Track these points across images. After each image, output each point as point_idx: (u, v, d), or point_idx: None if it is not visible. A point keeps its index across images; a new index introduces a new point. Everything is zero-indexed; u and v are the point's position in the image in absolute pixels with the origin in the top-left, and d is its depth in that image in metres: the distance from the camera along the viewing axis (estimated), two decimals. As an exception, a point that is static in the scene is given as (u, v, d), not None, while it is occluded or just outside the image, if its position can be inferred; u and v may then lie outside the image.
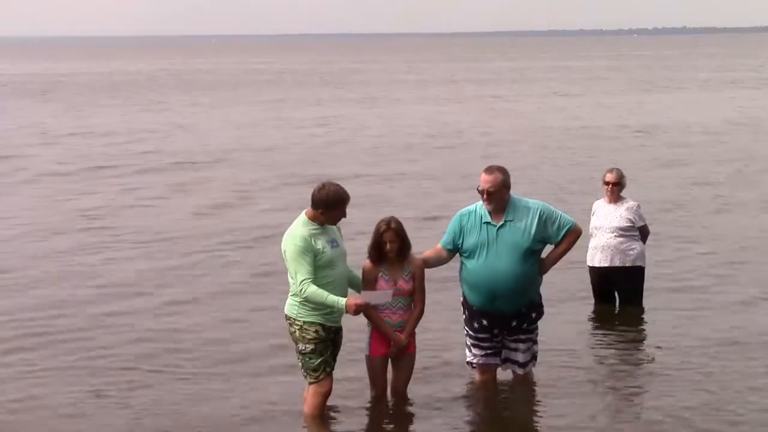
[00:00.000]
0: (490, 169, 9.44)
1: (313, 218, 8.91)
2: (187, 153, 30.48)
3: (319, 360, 8.94)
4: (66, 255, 16.48)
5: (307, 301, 8.80)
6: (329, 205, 8.88)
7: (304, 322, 8.89)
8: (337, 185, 9.00)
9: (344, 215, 9.00)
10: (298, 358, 9.05)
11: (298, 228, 8.89)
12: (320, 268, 8.79)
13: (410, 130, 37.15)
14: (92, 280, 14.78)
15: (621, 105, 48.12)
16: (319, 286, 8.76)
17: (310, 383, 9.07)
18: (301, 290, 8.75)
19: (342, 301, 8.76)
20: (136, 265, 15.71)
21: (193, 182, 24.91)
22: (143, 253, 16.60)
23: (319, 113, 45.23)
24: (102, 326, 12.33)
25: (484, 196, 9.35)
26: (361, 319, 9.32)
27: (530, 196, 9.94)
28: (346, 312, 8.82)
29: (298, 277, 8.75)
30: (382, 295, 9.06)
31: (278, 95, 58.58)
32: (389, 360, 9.40)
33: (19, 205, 21.71)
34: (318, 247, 8.80)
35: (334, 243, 8.95)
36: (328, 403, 9.25)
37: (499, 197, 9.34)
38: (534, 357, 9.80)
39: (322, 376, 9.00)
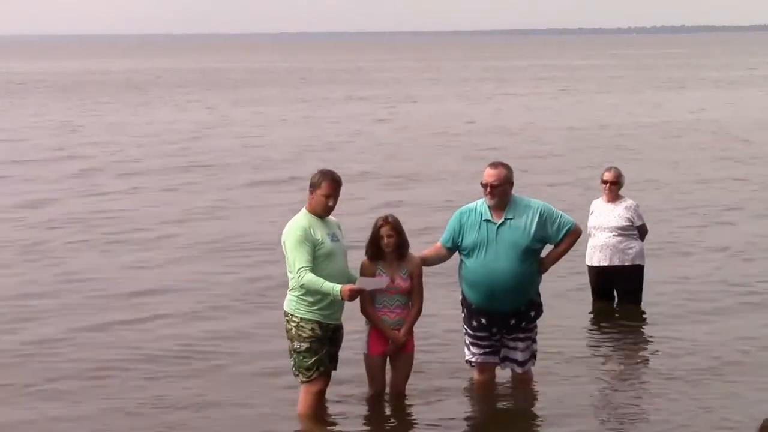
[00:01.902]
0: (494, 164, 9.44)
1: (311, 210, 8.93)
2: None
3: (313, 359, 8.91)
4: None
5: (304, 290, 8.78)
6: (314, 183, 8.91)
7: (301, 318, 8.87)
8: (329, 169, 9.07)
9: (332, 196, 8.90)
10: (291, 356, 9.00)
11: (299, 219, 8.92)
12: (319, 260, 8.79)
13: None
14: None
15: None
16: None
17: (302, 382, 9.02)
18: (298, 277, 8.74)
19: (337, 287, 8.72)
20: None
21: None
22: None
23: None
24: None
25: (488, 189, 9.33)
26: (360, 318, 9.32)
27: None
28: (341, 299, 8.78)
29: (296, 264, 8.74)
30: (377, 281, 9.03)
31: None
32: (387, 358, 9.39)
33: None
34: (317, 237, 8.80)
35: (334, 237, 8.95)
36: (327, 401, 9.23)
37: (502, 192, 9.31)
38: (533, 356, 9.76)
39: (314, 376, 8.95)
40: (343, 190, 9.10)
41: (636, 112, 43.62)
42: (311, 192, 8.92)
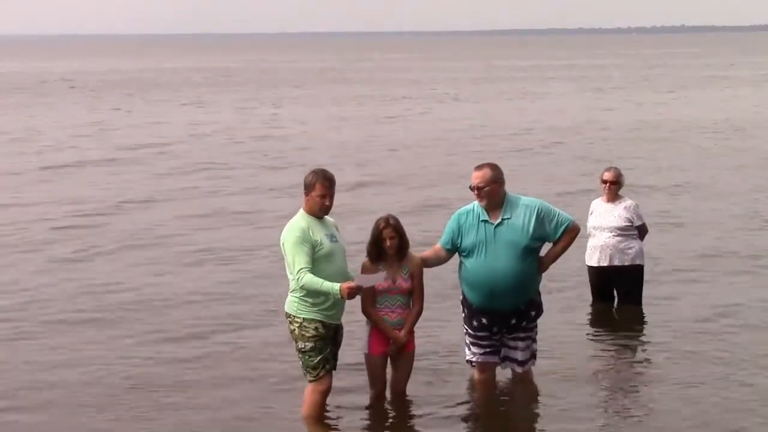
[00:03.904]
0: (479, 166, 9.46)
1: (308, 210, 8.98)
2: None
3: (318, 358, 8.97)
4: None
5: (304, 290, 8.82)
6: (307, 184, 8.96)
7: (303, 319, 8.93)
8: (321, 169, 9.10)
9: (327, 195, 8.94)
10: (298, 357, 9.07)
11: (297, 221, 8.97)
12: (319, 261, 8.83)
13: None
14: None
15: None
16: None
17: (310, 381, 9.08)
18: (298, 278, 8.79)
19: (336, 286, 8.76)
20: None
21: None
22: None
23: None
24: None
25: (475, 192, 9.37)
26: (361, 317, 9.36)
27: None
28: (341, 297, 8.81)
29: (296, 266, 8.79)
30: (374, 277, 9.07)
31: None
32: (388, 358, 9.43)
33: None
34: (316, 238, 8.85)
35: (333, 238, 9.00)
36: (328, 401, 9.27)
37: (490, 193, 9.35)
38: (533, 355, 9.79)
39: (321, 374, 9.02)
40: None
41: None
42: (306, 194, 8.97)
